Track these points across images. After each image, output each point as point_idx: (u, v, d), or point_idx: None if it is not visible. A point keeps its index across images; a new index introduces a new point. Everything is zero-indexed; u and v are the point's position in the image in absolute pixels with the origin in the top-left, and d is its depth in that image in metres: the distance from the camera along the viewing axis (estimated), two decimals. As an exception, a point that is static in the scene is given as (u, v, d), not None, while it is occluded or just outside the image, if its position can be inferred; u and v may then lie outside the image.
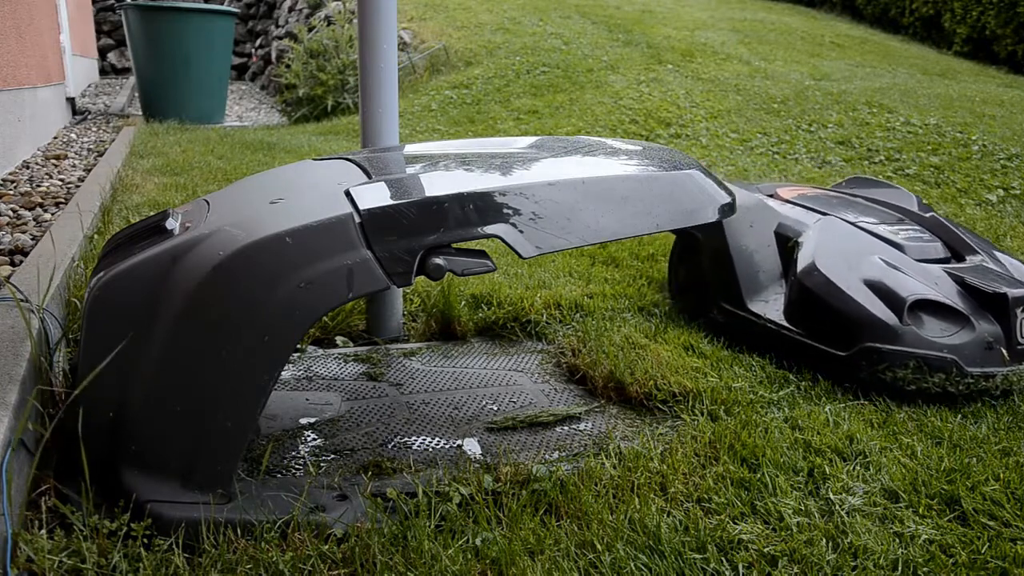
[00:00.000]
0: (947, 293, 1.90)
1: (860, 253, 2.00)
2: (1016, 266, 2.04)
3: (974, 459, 1.58)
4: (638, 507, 1.37)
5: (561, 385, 1.97)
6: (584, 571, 1.23)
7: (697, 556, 1.26)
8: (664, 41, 7.66)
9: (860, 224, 2.13)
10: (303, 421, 1.71)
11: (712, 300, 2.24)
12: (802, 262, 2.02)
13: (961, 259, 2.08)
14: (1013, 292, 1.86)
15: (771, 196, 2.41)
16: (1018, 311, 1.85)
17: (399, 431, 1.69)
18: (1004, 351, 1.83)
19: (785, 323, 2.04)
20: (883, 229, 2.10)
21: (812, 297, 1.96)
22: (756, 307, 2.14)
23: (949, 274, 1.95)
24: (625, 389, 1.86)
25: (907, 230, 2.11)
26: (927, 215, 2.25)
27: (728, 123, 5.56)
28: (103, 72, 11.05)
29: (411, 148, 1.94)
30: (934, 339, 1.83)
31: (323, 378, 1.94)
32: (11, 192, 3.25)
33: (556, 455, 1.60)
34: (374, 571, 1.20)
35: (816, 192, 2.45)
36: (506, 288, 2.47)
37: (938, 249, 2.05)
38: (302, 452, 1.58)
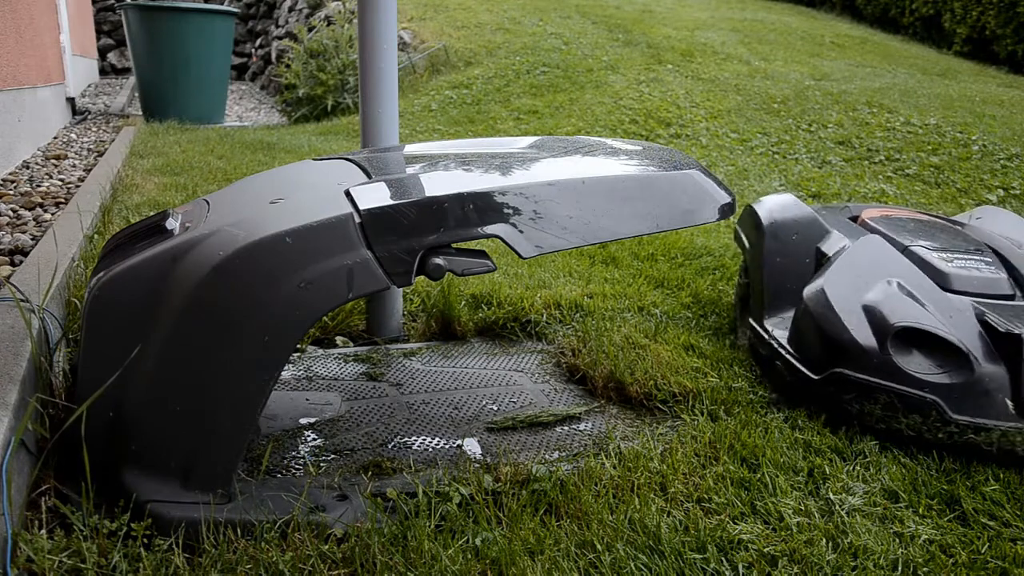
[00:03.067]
0: (957, 327, 1.66)
1: (877, 276, 1.80)
2: None
3: (974, 459, 1.58)
4: (638, 507, 1.37)
5: (561, 385, 1.97)
6: (584, 571, 1.23)
7: (697, 556, 1.26)
8: (664, 41, 7.66)
9: (913, 248, 1.93)
10: (303, 421, 1.71)
11: (745, 316, 2.08)
12: (814, 279, 1.87)
13: None
14: None
15: (854, 218, 2.23)
16: None
17: (399, 431, 1.69)
18: (1009, 402, 1.56)
19: (785, 343, 1.88)
20: (937, 256, 1.88)
21: (807, 316, 1.79)
22: (770, 323, 1.97)
23: (977, 308, 1.71)
24: (625, 389, 1.86)
25: (970, 260, 1.87)
26: None
27: (728, 123, 5.56)
28: (103, 72, 11.04)
29: (411, 148, 1.94)
30: (915, 374, 1.60)
31: (323, 378, 1.94)
32: (11, 192, 3.25)
33: (556, 455, 1.60)
34: (374, 571, 1.20)
35: (903, 214, 2.22)
36: (506, 288, 2.47)
37: (1002, 284, 1.79)
38: (302, 452, 1.58)
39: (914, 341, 1.66)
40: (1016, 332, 1.58)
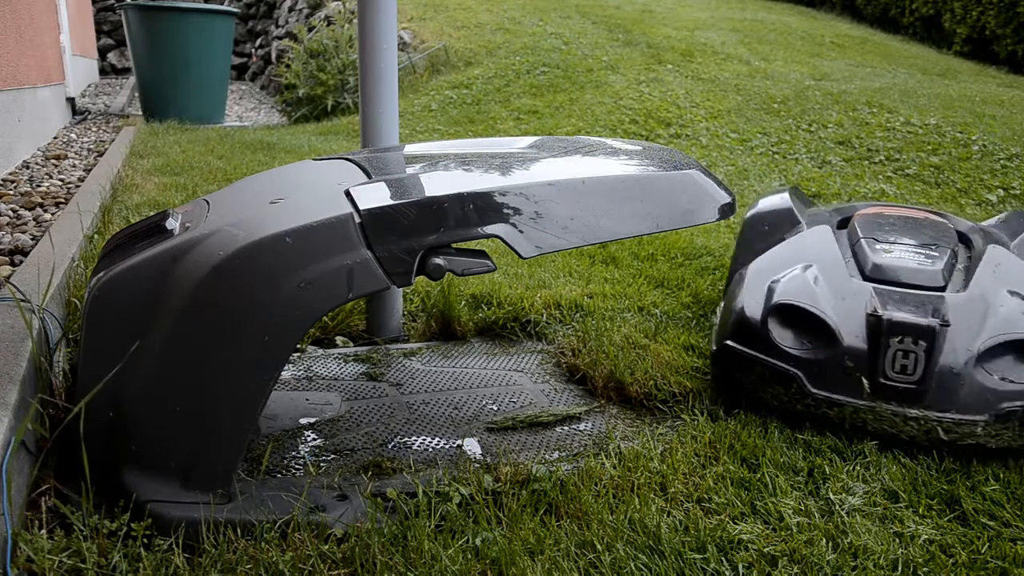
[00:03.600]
0: (843, 309, 1.70)
1: (798, 260, 1.87)
2: (1005, 312, 1.67)
3: (974, 459, 1.58)
4: (638, 507, 1.37)
5: (561, 385, 1.97)
6: (584, 571, 1.23)
7: (697, 556, 1.26)
8: (664, 41, 7.65)
9: (862, 240, 1.96)
10: (303, 421, 1.71)
11: None
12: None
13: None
14: (892, 316, 1.61)
15: (848, 218, 2.26)
16: (893, 340, 1.60)
17: (399, 431, 1.69)
18: (865, 381, 1.63)
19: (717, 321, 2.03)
20: (880, 247, 1.90)
21: (727, 293, 1.94)
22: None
23: (871, 293, 1.74)
24: (625, 389, 1.86)
25: (913, 253, 1.88)
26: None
27: (728, 123, 5.56)
28: (103, 72, 11.04)
29: (411, 148, 1.94)
30: (784, 347, 1.70)
31: (323, 378, 1.94)
32: (11, 192, 3.25)
33: (556, 455, 1.60)
34: (374, 571, 1.20)
35: (896, 212, 2.25)
36: (506, 288, 2.47)
37: (931, 275, 1.79)
38: (302, 452, 1.58)
39: (797, 320, 1.73)
40: (879, 314, 1.62)
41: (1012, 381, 1.58)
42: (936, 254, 1.88)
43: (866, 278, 1.80)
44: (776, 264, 1.90)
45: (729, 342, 1.78)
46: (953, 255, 1.89)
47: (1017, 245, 1.99)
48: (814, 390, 1.65)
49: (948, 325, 1.61)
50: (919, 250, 1.89)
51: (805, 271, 1.82)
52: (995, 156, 4.68)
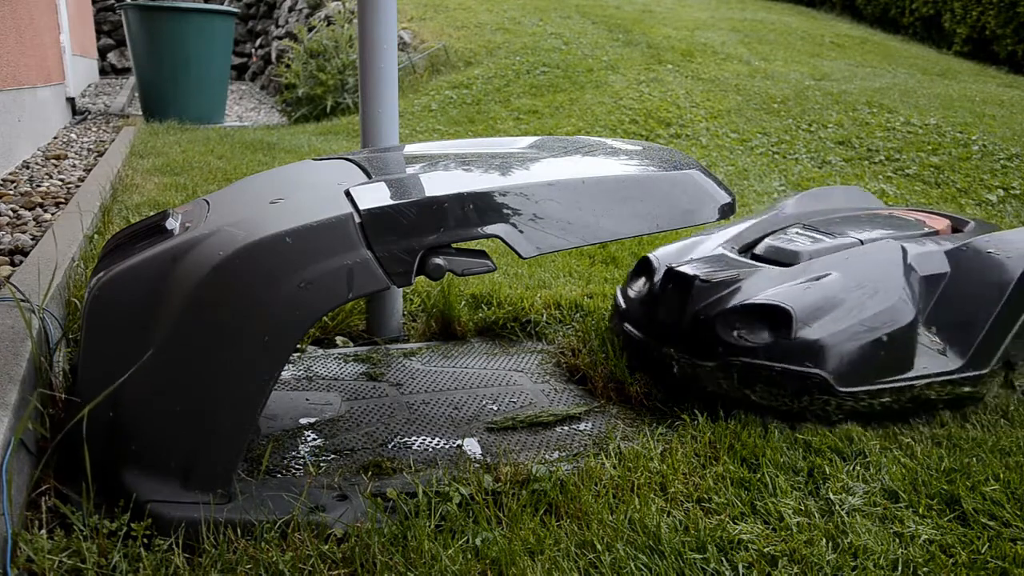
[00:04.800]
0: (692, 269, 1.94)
1: (710, 233, 2.15)
2: (793, 285, 1.80)
3: (974, 459, 1.58)
4: (638, 507, 1.37)
5: (561, 385, 1.97)
6: (584, 571, 1.23)
7: (697, 556, 1.26)
8: (664, 41, 7.65)
9: (790, 227, 2.13)
10: (303, 421, 1.71)
11: None
12: None
13: None
14: (673, 268, 1.90)
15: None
16: (668, 287, 1.88)
17: (399, 431, 1.69)
18: (648, 320, 1.91)
19: None
20: (790, 233, 2.06)
21: None
22: None
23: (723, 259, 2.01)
24: (625, 389, 1.87)
25: (811, 238, 2.01)
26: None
27: (728, 123, 5.56)
28: (103, 72, 11.04)
29: (411, 148, 1.94)
30: (628, 290, 2.01)
31: (323, 378, 1.94)
32: (11, 192, 3.25)
33: (556, 455, 1.60)
34: (374, 571, 1.20)
35: (883, 212, 2.36)
36: (506, 288, 2.47)
37: (794, 256, 1.94)
38: (302, 452, 1.58)
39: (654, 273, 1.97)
40: (669, 265, 1.92)
41: (746, 340, 1.72)
42: (829, 240, 2.00)
43: (752, 256, 2.02)
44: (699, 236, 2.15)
45: (616, 290, 2.09)
46: (859, 243, 2.00)
47: (950, 252, 1.98)
48: (626, 324, 1.95)
49: (707, 283, 1.82)
50: (827, 238, 2.01)
51: (695, 239, 2.10)
52: (995, 156, 4.68)
